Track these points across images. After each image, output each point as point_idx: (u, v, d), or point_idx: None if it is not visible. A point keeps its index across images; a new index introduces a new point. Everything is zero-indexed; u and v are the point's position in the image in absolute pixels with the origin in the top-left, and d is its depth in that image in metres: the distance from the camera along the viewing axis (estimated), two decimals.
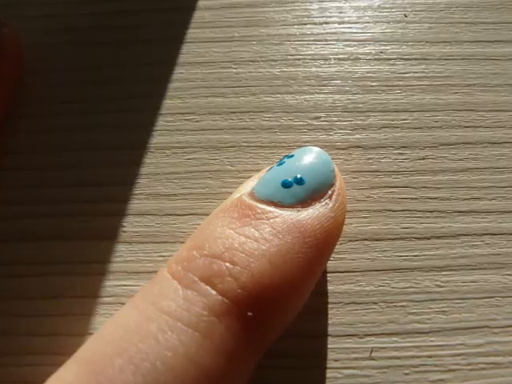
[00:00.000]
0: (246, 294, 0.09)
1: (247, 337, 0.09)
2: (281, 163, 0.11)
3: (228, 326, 0.08)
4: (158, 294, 0.09)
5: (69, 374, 0.08)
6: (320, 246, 0.10)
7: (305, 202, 0.10)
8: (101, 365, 0.08)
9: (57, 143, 0.14)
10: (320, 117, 0.14)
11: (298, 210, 0.10)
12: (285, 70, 0.15)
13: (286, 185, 0.10)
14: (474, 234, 0.12)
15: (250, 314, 0.09)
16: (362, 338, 0.11)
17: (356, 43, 0.15)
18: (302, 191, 0.10)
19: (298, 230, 0.09)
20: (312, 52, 0.15)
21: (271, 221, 0.09)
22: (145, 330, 0.08)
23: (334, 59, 0.15)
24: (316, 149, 0.11)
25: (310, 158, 0.10)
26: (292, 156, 0.11)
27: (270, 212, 0.10)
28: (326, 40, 0.15)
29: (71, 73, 0.15)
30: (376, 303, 0.12)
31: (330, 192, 0.10)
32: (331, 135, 0.14)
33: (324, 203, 0.10)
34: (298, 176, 0.10)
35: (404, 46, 0.15)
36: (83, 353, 0.09)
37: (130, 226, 0.13)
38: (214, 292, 0.09)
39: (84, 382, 0.08)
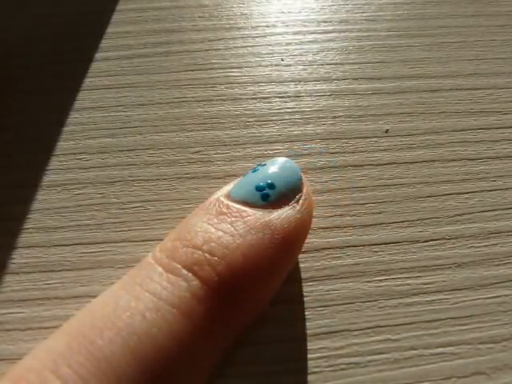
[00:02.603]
0: (222, 280, 0.11)
1: (222, 317, 0.11)
2: (255, 170, 0.13)
3: (206, 307, 0.10)
4: (144, 277, 0.11)
5: (59, 344, 0.10)
6: (287, 242, 0.12)
7: (275, 204, 0.12)
8: (91, 336, 0.10)
9: None
10: (200, 151, 0.17)
11: (269, 211, 0.12)
12: (170, 111, 0.18)
13: (259, 188, 0.12)
14: (337, 247, 0.15)
15: (225, 298, 0.11)
16: None
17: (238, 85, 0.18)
18: (273, 194, 0.12)
19: (268, 228, 0.11)
20: (196, 94, 0.18)
21: (245, 219, 0.12)
22: (133, 308, 0.10)
23: (216, 100, 0.18)
24: (286, 159, 0.13)
25: (280, 166, 0.13)
26: (265, 164, 0.13)
27: (245, 211, 0.12)
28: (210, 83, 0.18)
29: None
30: None
31: (297, 197, 0.12)
32: (209, 167, 0.16)
33: (292, 206, 0.12)
34: (270, 181, 0.12)
35: (280, 86, 0.18)
36: (72, 325, 0.10)
37: (19, 257, 0.15)
38: (194, 278, 0.11)
39: (75, 352, 0.09)
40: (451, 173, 0.16)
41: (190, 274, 0.11)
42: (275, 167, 0.13)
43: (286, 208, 0.12)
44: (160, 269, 0.11)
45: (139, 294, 0.10)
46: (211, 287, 0.11)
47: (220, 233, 0.11)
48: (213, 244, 0.11)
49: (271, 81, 0.19)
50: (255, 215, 0.12)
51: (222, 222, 0.12)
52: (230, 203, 0.12)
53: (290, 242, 0.12)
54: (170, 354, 0.10)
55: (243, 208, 0.12)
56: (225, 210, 0.12)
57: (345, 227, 0.15)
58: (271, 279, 0.12)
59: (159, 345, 0.10)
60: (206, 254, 0.11)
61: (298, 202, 0.12)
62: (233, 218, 0.12)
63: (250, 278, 0.11)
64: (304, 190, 0.13)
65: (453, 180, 0.16)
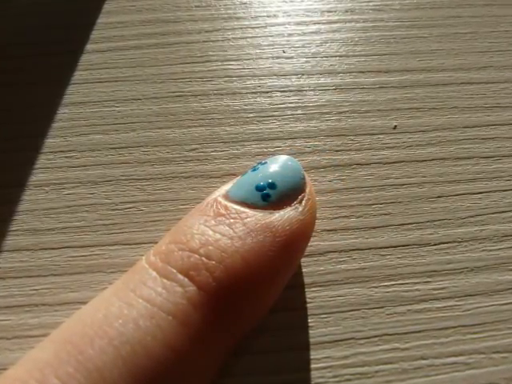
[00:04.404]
0: (220, 286, 0.11)
1: (220, 325, 0.11)
2: (255, 169, 0.13)
3: (203, 314, 0.10)
4: (137, 282, 0.11)
5: (46, 354, 0.10)
6: (289, 245, 0.12)
7: (276, 204, 0.12)
8: (81, 345, 0.10)
9: None
10: (197, 148, 0.17)
11: (270, 212, 0.12)
12: (165, 106, 0.18)
13: (259, 188, 0.12)
14: (342, 251, 0.15)
15: (223, 304, 0.11)
16: None
17: (236, 78, 0.18)
18: (274, 195, 0.12)
19: (269, 230, 0.11)
20: (193, 88, 0.18)
21: (245, 221, 0.11)
22: (125, 315, 0.10)
23: (214, 94, 0.18)
24: (288, 157, 0.13)
25: (282, 164, 0.13)
26: (265, 163, 0.13)
27: (244, 213, 0.12)
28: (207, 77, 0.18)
29: None
30: None
31: (300, 197, 0.12)
32: (207, 165, 0.16)
33: (294, 207, 0.12)
34: (270, 181, 0.12)
35: (282, 79, 0.18)
36: (61, 333, 0.10)
37: (5, 261, 0.15)
38: (191, 283, 0.11)
39: (64, 362, 0.09)
40: (463, 172, 0.16)
41: (186, 279, 0.11)
42: (276, 166, 0.13)
43: (288, 209, 0.12)
44: (154, 273, 0.11)
45: (132, 300, 0.10)
46: (208, 293, 0.11)
47: (218, 235, 0.11)
48: (210, 247, 0.11)
49: (272, 74, 0.19)
50: (255, 217, 0.12)
51: (220, 224, 0.12)
52: (229, 204, 0.12)
53: (291, 244, 0.12)
54: (166, 364, 0.10)
55: (242, 209, 0.12)
56: (223, 211, 0.12)
57: (350, 229, 0.15)
58: (272, 284, 0.12)
59: (154, 354, 0.10)
60: (203, 258, 0.11)
61: (300, 202, 0.12)
62: (231, 220, 0.12)
63: (249, 283, 0.11)
64: (307, 190, 0.13)
65: (465, 179, 0.16)
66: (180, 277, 0.11)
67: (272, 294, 0.12)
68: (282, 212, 0.12)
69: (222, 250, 0.11)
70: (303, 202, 0.12)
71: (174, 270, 0.11)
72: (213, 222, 0.12)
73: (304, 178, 0.13)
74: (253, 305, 0.12)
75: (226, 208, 0.12)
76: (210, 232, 0.11)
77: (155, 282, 0.11)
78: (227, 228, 0.11)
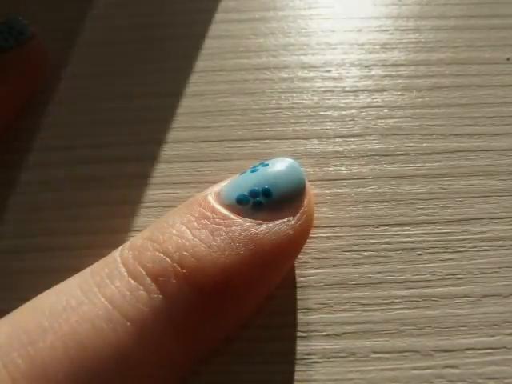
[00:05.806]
0: (186, 299, 0.10)
1: (178, 340, 0.10)
2: (254, 170, 0.12)
3: (163, 325, 0.10)
4: (104, 277, 0.11)
5: (2, 337, 0.10)
6: (272, 261, 0.11)
7: (267, 214, 0.11)
8: (34, 336, 0.09)
9: None
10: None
11: (259, 223, 0.11)
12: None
13: (252, 194, 0.12)
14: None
15: (184, 319, 0.10)
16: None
17: None
18: (267, 204, 0.12)
19: (253, 243, 0.11)
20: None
21: (228, 229, 0.11)
22: (84, 312, 0.10)
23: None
24: (291, 161, 0.13)
25: (283, 169, 0.12)
26: (267, 165, 0.13)
27: (230, 219, 0.11)
28: None
29: None
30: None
31: (295, 208, 0.12)
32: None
33: (286, 220, 0.12)
34: (267, 187, 0.12)
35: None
36: (18, 317, 0.10)
37: None
38: (157, 291, 0.10)
39: (14, 350, 0.09)
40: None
41: (154, 286, 0.10)
42: (277, 170, 0.12)
43: (279, 222, 0.11)
44: (123, 270, 0.11)
45: (94, 297, 0.10)
46: (173, 303, 0.10)
47: (196, 241, 0.11)
48: (185, 253, 0.11)
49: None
50: (241, 226, 0.11)
51: (203, 228, 0.11)
52: (217, 206, 0.12)
53: (274, 260, 0.11)
54: (115, 370, 0.10)
55: (230, 215, 0.11)
56: (209, 213, 0.11)
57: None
58: (243, 302, 0.12)
59: (104, 358, 0.09)
60: (175, 264, 0.11)
61: (294, 215, 0.12)
62: (215, 225, 0.11)
63: (219, 300, 0.11)
64: (305, 202, 0.12)
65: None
66: (148, 281, 0.10)
67: (243, 313, 0.12)
68: (270, 224, 0.11)
69: (196, 259, 0.11)
70: (297, 215, 0.12)
71: (144, 272, 0.11)
72: (195, 224, 0.11)
73: (304, 188, 0.12)
74: (216, 323, 0.11)
75: (213, 210, 0.11)
76: (190, 235, 0.11)
77: (122, 280, 0.10)
78: (208, 234, 0.11)
